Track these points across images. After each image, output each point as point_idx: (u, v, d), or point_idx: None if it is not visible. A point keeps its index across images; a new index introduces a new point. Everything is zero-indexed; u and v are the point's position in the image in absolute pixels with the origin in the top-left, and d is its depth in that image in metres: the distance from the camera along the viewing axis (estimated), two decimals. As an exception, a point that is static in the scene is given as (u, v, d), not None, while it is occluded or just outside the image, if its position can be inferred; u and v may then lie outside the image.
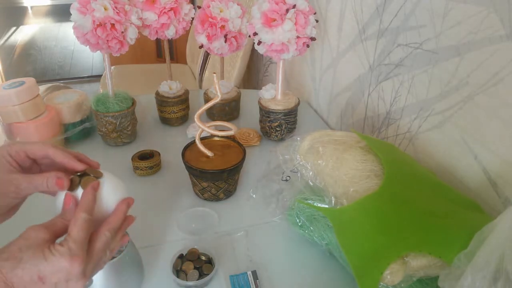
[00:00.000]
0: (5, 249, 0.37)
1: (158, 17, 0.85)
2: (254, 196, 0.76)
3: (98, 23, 0.75)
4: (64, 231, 0.41)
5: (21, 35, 3.82)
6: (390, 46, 0.78)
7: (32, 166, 0.47)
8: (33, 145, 0.45)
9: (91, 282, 0.50)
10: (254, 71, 1.82)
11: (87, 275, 0.39)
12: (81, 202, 0.42)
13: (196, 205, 0.74)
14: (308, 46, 0.83)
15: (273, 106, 0.90)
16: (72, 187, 0.45)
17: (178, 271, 0.58)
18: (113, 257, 0.50)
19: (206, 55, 1.79)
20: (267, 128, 0.93)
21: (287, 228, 0.68)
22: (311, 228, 0.62)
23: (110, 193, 0.46)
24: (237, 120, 1.06)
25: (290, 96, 0.93)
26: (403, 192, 0.55)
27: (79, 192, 0.45)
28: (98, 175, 0.47)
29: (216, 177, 0.71)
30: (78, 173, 0.46)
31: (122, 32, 0.78)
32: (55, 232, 0.40)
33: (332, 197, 0.57)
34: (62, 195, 0.45)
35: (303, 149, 0.64)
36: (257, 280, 0.58)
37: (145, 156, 0.83)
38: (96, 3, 0.73)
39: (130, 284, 0.55)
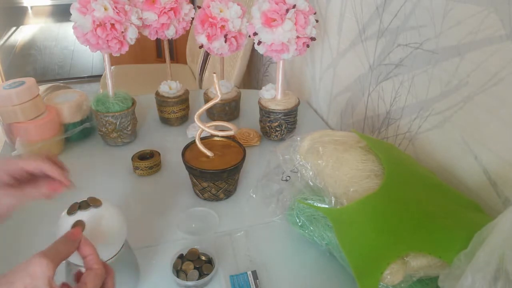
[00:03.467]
0: (9, 278, 0.36)
1: (158, 17, 0.85)
2: (254, 196, 0.76)
3: (98, 23, 0.75)
4: (66, 258, 0.41)
5: (21, 35, 3.82)
6: (390, 46, 0.78)
7: (31, 178, 0.50)
8: (27, 160, 0.48)
9: None
10: (254, 71, 1.82)
11: None
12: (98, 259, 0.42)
13: (196, 205, 0.74)
14: (308, 46, 0.83)
15: (273, 106, 0.90)
16: (71, 212, 0.48)
17: (178, 271, 0.58)
18: (108, 259, 0.50)
19: (206, 55, 1.80)
20: (267, 128, 0.93)
21: (287, 228, 0.68)
22: (311, 228, 0.62)
23: (107, 221, 0.49)
24: (237, 120, 1.06)
25: (290, 96, 0.93)
26: (403, 192, 0.55)
27: (77, 216, 0.48)
28: (97, 204, 0.49)
29: (216, 177, 0.71)
30: (79, 201, 0.49)
31: (122, 32, 0.78)
32: (58, 263, 0.40)
33: (332, 197, 0.57)
34: (63, 220, 0.48)
35: (303, 149, 0.64)
36: (257, 280, 0.58)
37: (145, 156, 0.83)
38: (96, 3, 0.73)
39: (125, 285, 0.55)
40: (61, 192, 0.49)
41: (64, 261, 0.50)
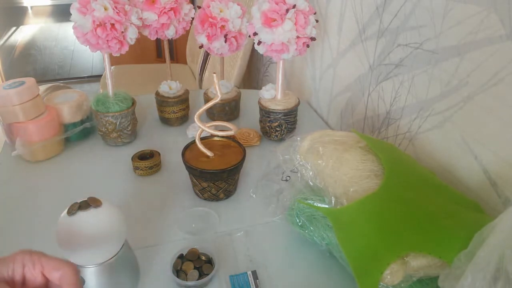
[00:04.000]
0: None
1: (158, 17, 0.85)
2: (254, 196, 0.76)
3: (98, 23, 0.75)
4: None
5: (21, 35, 3.82)
6: (390, 46, 0.78)
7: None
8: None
9: (83, 282, 0.50)
10: (254, 71, 1.82)
11: None
12: None
13: (196, 205, 0.74)
14: (308, 46, 0.83)
15: (273, 106, 0.90)
16: (71, 212, 0.48)
17: (178, 271, 0.58)
18: (108, 259, 0.50)
19: (206, 55, 1.80)
20: (267, 128, 0.93)
21: (287, 228, 0.68)
22: (311, 228, 0.62)
23: (107, 221, 0.49)
24: (237, 120, 1.06)
25: (290, 96, 0.93)
26: (403, 192, 0.55)
27: (77, 217, 0.47)
28: (97, 204, 0.49)
29: (216, 177, 0.71)
30: (79, 201, 0.49)
31: (122, 32, 0.78)
32: None
33: (332, 197, 0.57)
34: (63, 220, 0.48)
35: (303, 149, 0.64)
36: (257, 280, 0.58)
37: (145, 156, 0.83)
38: (96, 3, 0.73)
39: (125, 286, 0.55)
40: None
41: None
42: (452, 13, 0.61)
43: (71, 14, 0.75)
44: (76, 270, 0.38)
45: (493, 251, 0.39)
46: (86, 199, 0.49)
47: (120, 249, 0.51)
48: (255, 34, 0.81)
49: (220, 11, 0.88)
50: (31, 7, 4.51)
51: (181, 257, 0.60)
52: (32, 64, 3.24)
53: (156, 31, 0.88)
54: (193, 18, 0.92)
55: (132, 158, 0.82)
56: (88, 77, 3.07)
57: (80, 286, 0.38)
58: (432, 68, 0.68)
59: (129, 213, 0.72)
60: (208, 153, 0.74)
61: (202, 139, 0.76)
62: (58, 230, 0.47)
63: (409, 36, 0.72)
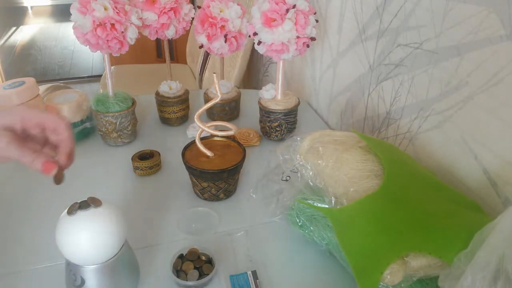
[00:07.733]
0: None
1: (158, 17, 0.85)
2: (254, 196, 0.76)
3: (98, 23, 0.75)
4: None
5: (21, 35, 3.83)
6: (390, 46, 0.78)
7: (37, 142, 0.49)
8: (47, 115, 0.47)
9: (83, 282, 0.50)
10: (254, 71, 1.82)
11: None
12: None
13: (196, 205, 0.74)
14: (308, 46, 0.83)
15: (273, 106, 0.90)
16: (71, 211, 0.48)
17: (178, 271, 0.58)
18: (108, 259, 0.50)
19: (206, 55, 1.80)
20: (267, 128, 0.93)
21: (287, 228, 0.68)
22: (311, 228, 0.62)
23: (107, 221, 0.49)
24: (237, 120, 1.06)
25: (290, 96, 0.93)
26: (403, 192, 0.55)
27: (77, 216, 0.47)
28: (97, 204, 0.49)
29: (216, 177, 0.71)
30: (79, 201, 0.49)
31: (122, 32, 0.78)
32: None
33: (332, 197, 0.57)
34: (63, 220, 0.48)
35: (303, 149, 0.64)
36: (257, 280, 0.58)
37: (145, 156, 0.83)
38: (96, 3, 0.73)
39: (125, 285, 0.55)
40: (51, 174, 0.46)
41: (64, 261, 0.50)
42: (452, 13, 0.61)
43: (71, 14, 0.75)
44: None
45: (493, 251, 0.39)
46: (86, 199, 0.49)
47: (120, 249, 0.51)
48: (255, 34, 0.81)
49: (220, 11, 0.88)
50: (31, 7, 4.51)
51: (181, 257, 0.60)
52: (32, 64, 3.24)
53: (156, 31, 0.88)
54: (193, 18, 0.92)
55: (132, 158, 0.82)
56: (88, 77, 3.07)
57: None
58: (432, 68, 0.68)
59: (129, 213, 0.72)
60: (208, 153, 0.74)
61: (202, 139, 0.76)
62: (58, 230, 0.47)
63: (409, 36, 0.72)
